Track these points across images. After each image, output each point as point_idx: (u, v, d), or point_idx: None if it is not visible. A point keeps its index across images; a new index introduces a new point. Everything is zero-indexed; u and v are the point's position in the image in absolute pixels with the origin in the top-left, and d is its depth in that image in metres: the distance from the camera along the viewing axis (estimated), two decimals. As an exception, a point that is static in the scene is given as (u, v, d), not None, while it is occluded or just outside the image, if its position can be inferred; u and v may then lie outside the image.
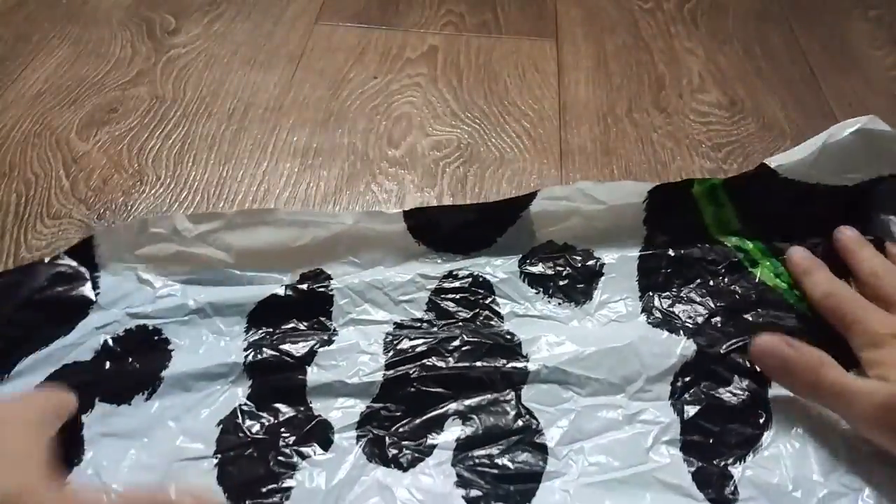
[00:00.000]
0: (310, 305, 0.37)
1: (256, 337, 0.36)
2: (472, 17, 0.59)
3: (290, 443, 0.32)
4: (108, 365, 0.34)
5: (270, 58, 0.54)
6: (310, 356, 0.35)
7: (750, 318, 0.37)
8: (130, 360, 0.34)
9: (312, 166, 0.46)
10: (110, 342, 0.35)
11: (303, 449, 0.32)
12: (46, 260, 0.37)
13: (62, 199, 0.43)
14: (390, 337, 0.36)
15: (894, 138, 0.39)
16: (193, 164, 0.46)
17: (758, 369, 0.35)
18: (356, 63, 0.54)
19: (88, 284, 0.37)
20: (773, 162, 0.40)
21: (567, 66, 0.55)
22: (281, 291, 0.37)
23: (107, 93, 0.50)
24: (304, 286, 0.37)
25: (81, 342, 0.35)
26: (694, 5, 0.62)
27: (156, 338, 0.35)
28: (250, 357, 0.35)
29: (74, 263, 0.37)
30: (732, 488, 0.31)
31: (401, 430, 0.33)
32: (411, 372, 0.34)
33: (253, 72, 0.53)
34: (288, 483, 0.31)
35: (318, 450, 0.32)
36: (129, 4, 0.59)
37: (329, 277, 0.38)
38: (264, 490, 0.30)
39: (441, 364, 0.35)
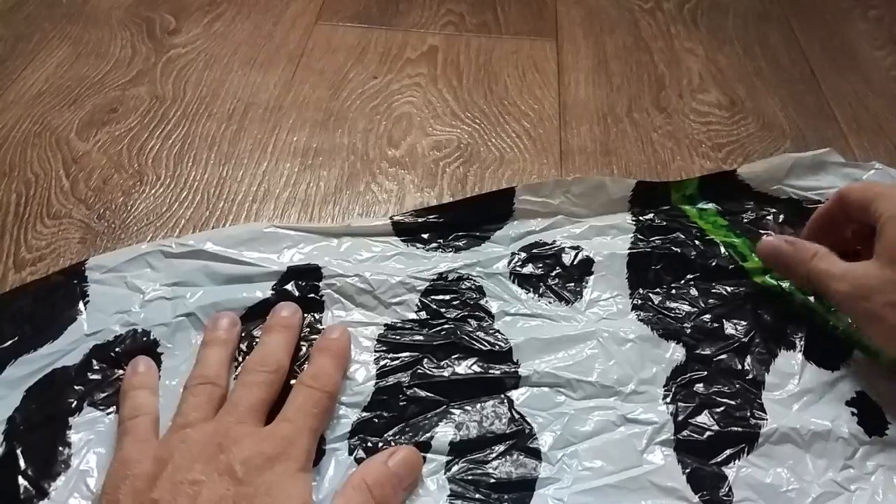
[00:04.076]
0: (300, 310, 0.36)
1: (246, 342, 0.35)
2: (472, 17, 0.59)
3: None
4: (97, 370, 0.34)
5: (270, 58, 0.54)
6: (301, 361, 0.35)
7: (742, 314, 0.37)
8: (120, 365, 0.34)
9: (312, 166, 0.46)
10: (100, 348, 0.35)
11: None
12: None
13: (62, 199, 0.43)
14: (381, 341, 0.35)
15: (850, 165, 0.45)
16: (193, 164, 0.46)
17: (750, 368, 0.35)
18: (356, 63, 0.54)
19: (77, 290, 0.37)
20: (742, 173, 0.43)
21: (567, 66, 0.55)
22: (271, 295, 0.37)
23: (107, 93, 0.50)
24: (295, 289, 0.37)
25: (71, 348, 0.34)
26: (694, 5, 0.62)
27: (144, 340, 0.35)
28: (240, 361, 0.34)
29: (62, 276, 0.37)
30: (727, 489, 0.31)
31: (393, 437, 0.32)
32: (403, 380, 0.34)
33: (253, 72, 0.53)
34: None
35: None
36: (129, 4, 0.59)
37: (319, 269, 0.38)
38: None
39: (433, 370, 0.34)
